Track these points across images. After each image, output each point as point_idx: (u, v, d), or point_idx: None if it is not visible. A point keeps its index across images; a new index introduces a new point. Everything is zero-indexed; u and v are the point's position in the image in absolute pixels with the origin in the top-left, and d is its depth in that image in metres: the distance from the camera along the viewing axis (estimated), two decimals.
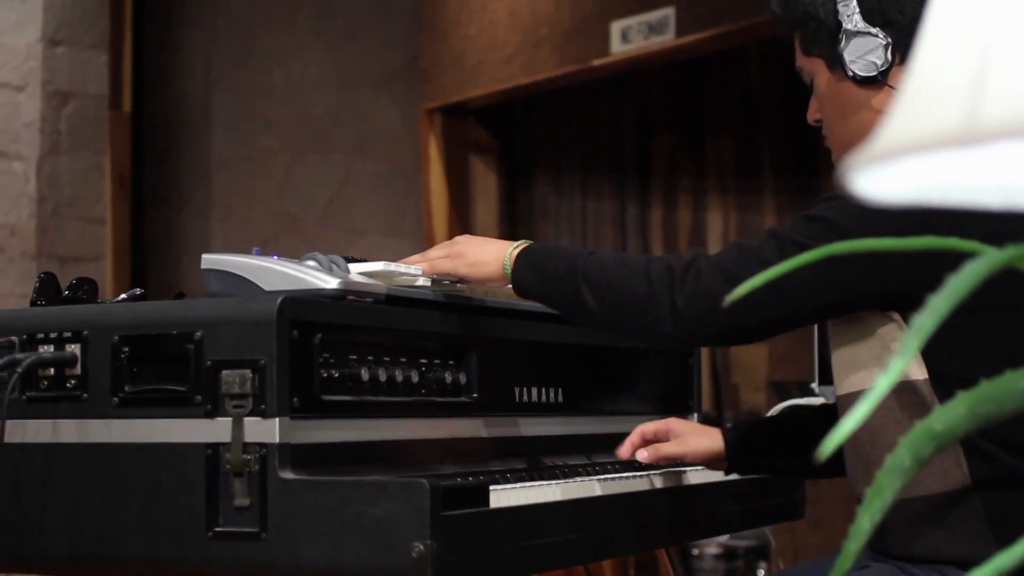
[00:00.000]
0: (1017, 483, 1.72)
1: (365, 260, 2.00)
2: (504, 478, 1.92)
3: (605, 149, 6.30)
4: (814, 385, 3.32)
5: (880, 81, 1.83)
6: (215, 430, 1.72)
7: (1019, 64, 0.67)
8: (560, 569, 2.79)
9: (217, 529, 1.70)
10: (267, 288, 1.82)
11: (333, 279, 1.83)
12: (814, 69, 1.90)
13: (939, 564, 1.75)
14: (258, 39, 6.05)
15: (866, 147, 0.69)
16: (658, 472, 2.17)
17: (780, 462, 2.20)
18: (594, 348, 2.34)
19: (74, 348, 1.85)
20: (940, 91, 0.68)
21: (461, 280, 2.02)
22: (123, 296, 1.97)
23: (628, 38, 5.40)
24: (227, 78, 6.01)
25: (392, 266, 1.98)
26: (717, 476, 2.25)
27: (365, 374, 1.83)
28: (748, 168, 5.79)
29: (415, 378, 1.92)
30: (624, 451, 2.09)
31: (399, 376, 1.89)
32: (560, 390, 2.24)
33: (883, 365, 1.74)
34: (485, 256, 1.98)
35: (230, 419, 1.70)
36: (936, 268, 0.87)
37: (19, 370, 1.84)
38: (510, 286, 1.97)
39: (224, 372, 1.72)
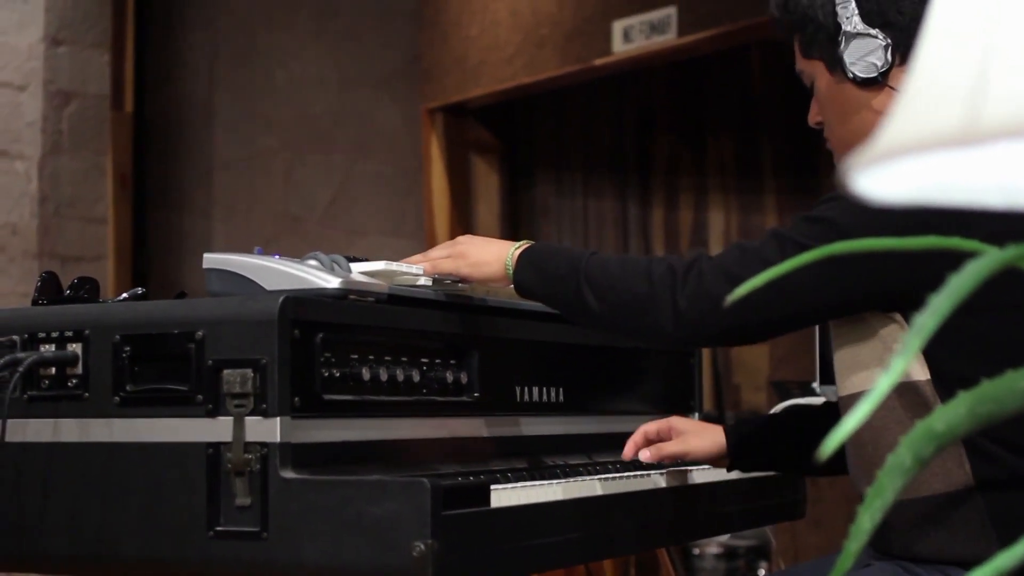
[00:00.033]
0: (1020, 483, 1.72)
1: (366, 260, 2.00)
2: (505, 477, 1.92)
3: (606, 149, 6.30)
4: (815, 385, 3.32)
5: (880, 82, 1.83)
6: (216, 429, 1.72)
7: (1020, 64, 0.67)
8: (561, 568, 2.79)
9: (218, 528, 1.70)
10: (268, 287, 1.82)
11: (335, 278, 1.84)
12: (814, 71, 1.90)
13: (942, 564, 1.75)
14: (259, 39, 6.05)
15: (867, 147, 0.69)
16: (659, 471, 2.17)
17: (782, 460, 2.20)
18: (595, 348, 2.34)
19: (75, 347, 1.85)
20: (941, 91, 0.68)
21: (463, 280, 2.02)
22: (124, 295, 1.97)
23: (630, 38, 5.40)
24: (228, 78, 6.01)
25: (393, 266, 1.98)
26: (718, 475, 2.25)
27: (366, 373, 1.83)
28: (749, 168, 5.79)
29: (416, 377, 1.93)
30: (627, 451, 2.09)
31: (400, 376, 1.89)
32: (561, 390, 2.24)
33: (885, 366, 1.74)
34: (487, 256, 1.98)
35: (231, 418, 1.70)
36: (937, 268, 0.87)
37: (20, 369, 1.84)
38: (511, 286, 1.98)
39: (225, 371, 1.72)
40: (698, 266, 1.82)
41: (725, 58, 5.71)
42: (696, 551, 4.74)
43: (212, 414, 1.73)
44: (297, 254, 1.95)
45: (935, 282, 0.72)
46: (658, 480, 2.15)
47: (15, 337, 1.89)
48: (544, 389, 2.20)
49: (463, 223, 6.28)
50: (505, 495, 1.78)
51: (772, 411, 2.75)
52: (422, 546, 1.58)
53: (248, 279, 1.84)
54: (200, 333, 1.75)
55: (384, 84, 6.23)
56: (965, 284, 0.70)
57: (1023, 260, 0.72)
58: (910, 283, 1.69)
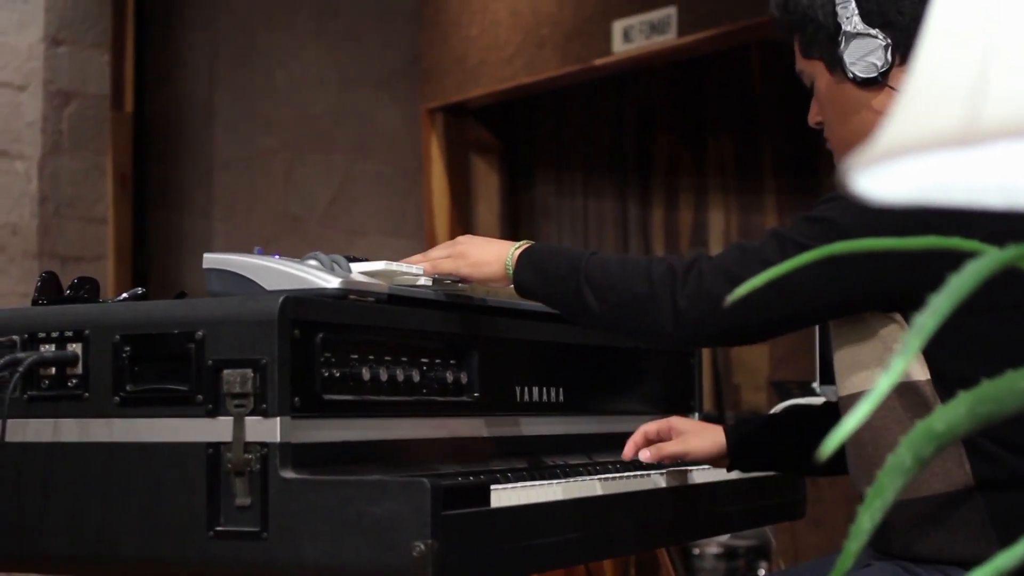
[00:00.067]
0: (1020, 483, 1.72)
1: (366, 260, 2.00)
2: (505, 477, 1.92)
3: (606, 149, 6.30)
4: (815, 385, 3.32)
5: (880, 82, 1.83)
6: (216, 429, 1.72)
7: (1020, 64, 0.67)
8: (561, 569, 2.79)
9: (218, 528, 1.70)
10: (269, 287, 1.82)
11: (335, 278, 1.84)
12: (814, 71, 1.90)
13: (942, 564, 1.75)
14: (259, 39, 6.05)
15: (867, 147, 0.69)
16: (659, 471, 2.17)
17: (782, 460, 2.20)
18: (595, 348, 2.34)
19: (75, 347, 1.85)
20: (941, 91, 0.68)
21: (462, 280, 2.02)
22: (124, 295, 1.97)
23: (630, 38, 5.40)
24: (228, 78, 6.01)
25: (393, 266, 1.98)
26: (718, 475, 2.25)
27: (366, 373, 1.83)
28: (749, 168, 5.79)
29: (416, 377, 1.93)
30: (627, 451, 2.09)
31: (400, 375, 1.89)
32: (561, 390, 2.24)
33: (885, 366, 1.74)
34: (487, 256, 1.98)
35: (231, 418, 1.70)
36: (937, 268, 0.87)
37: (20, 369, 1.84)
38: (511, 286, 1.98)
39: (225, 371, 1.72)
40: (698, 266, 1.82)
41: (725, 58, 5.71)
42: (696, 551, 4.74)
43: (212, 414, 1.73)
44: (297, 254, 1.95)
45: (935, 282, 0.72)
46: (658, 480, 2.15)
47: (15, 337, 1.89)
48: (544, 389, 2.20)
49: (463, 223, 6.28)
50: (505, 495, 1.78)
51: (772, 411, 2.75)
52: (422, 546, 1.58)
53: (248, 279, 1.84)
54: (200, 333, 1.75)
55: (384, 84, 6.23)
56: (965, 284, 0.70)
57: (1023, 260, 0.72)
58: (910, 283, 1.69)
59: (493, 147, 6.48)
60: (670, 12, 5.25)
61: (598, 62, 5.55)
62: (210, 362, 1.73)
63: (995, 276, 0.72)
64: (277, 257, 1.87)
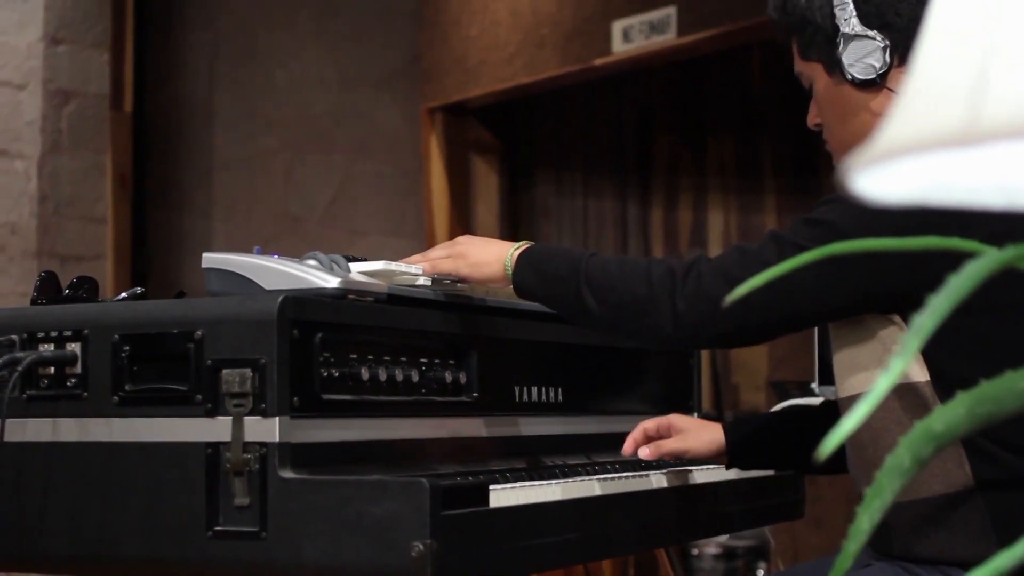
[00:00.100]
0: (1020, 484, 1.72)
1: (366, 260, 2.00)
2: (504, 478, 1.91)
3: (606, 149, 6.31)
4: (814, 385, 3.32)
5: (879, 84, 1.83)
6: (215, 429, 1.72)
7: (1020, 64, 0.66)
8: (560, 569, 2.79)
9: (217, 528, 1.70)
10: (268, 287, 1.82)
11: (334, 278, 1.83)
12: (813, 73, 1.90)
13: (942, 565, 1.74)
14: (259, 39, 6.05)
15: (867, 147, 0.69)
16: (658, 471, 2.17)
17: (781, 457, 2.20)
18: (594, 348, 2.34)
19: (74, 347, 1.85)
20: (941, 91, 0.68)
21: (462, 280, 2.02)
22: (124, 295, 1.97)
23: (629, 38, 5.40)
24: (228, 78, 6.01)
25: (393, 265, 1.98)
26: (717, 475, 2.25)
27: (365, 373, 1.83)
28: (749, 168, 5.79)
29: (415, 377, 1.92)
30: (627, 448, 2.10)
31: (399, 375, 1.89)
32: (560, 390, 2.24)
33: (884, 367, 1.74)
34: (486, 257, 1.98)
35: (230, 418, 1.70)
36: (937, 269, 0.87)
37: (19, 369, 1.84)
38: (511, 287, 1.98)
39: (224, 371, 1.72)
40: (697, 268, 1.82)
41: (725, 58, 5.71)
42: (695, 551, 4.74)
43: (211, 414, 1.73)
44: (297, 254, 1.95)
45: (934, 283, 0.72)
46: (657, 480, 2.15)
47: (14, 336, 1.89)
48: (543, 389, 2.20)
49: (463, 223, 6.28)
50: (504, 495, 1.77)
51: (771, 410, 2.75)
52: (421, 546, 1.58)
53: (247, 279, 1.84)
54: (199, 333, 1.75)
55: (384, 84, 6.23)
56: (964, 285, 0.70)
57: (1022, 260, 0.72)
58: (909, 284, 1.69)
59: (493, 147, 6.48)
60: (670, 12, 5.25)
61: (598, 62, 5.55)
62: (209, 362, 1.73)
63: (994, 277, 0.71)
64: (276, 257, 1.87)
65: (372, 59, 6.19)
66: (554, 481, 1.93)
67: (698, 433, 2.12)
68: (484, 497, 1.72)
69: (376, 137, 6.22)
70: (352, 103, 6.15)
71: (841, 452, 1.88)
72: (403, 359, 1.91)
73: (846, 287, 1.76)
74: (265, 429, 1.69)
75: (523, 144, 6.57)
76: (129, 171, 5.54)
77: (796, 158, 5.59)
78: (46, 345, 1.87)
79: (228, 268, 1.85)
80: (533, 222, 6.48)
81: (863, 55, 1.82)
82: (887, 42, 1.81)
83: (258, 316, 1.71)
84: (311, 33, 6.12)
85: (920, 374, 1.74)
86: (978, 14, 0.69)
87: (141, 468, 1.78)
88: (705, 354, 3.83)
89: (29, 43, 4.97)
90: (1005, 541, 1.69)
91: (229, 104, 5.99)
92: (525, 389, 2.16)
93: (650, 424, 2.11)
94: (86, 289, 2.00)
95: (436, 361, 1.98)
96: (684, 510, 2.21)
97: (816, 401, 2.88)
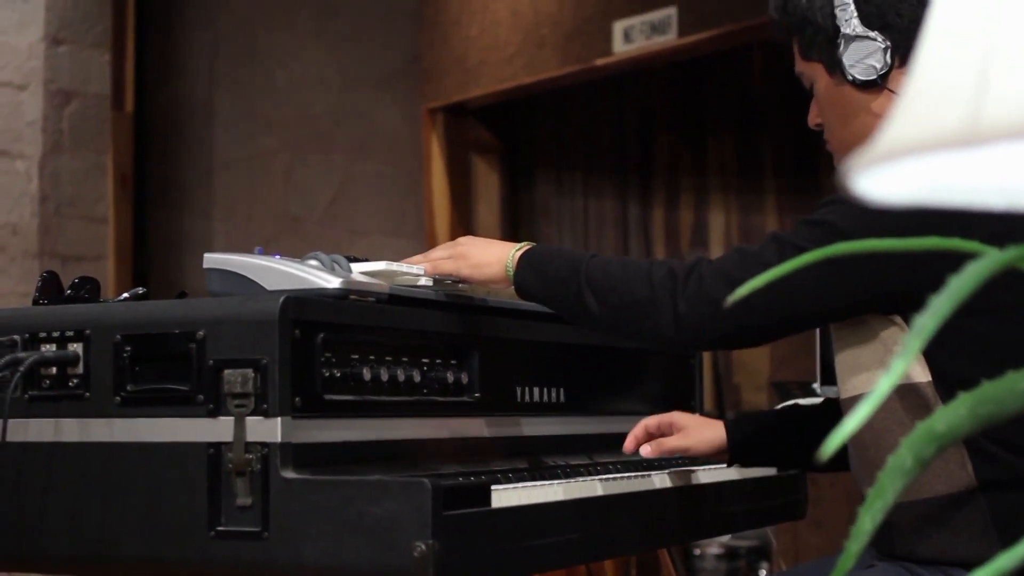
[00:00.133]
0: (1022, 485, 1.72)
1: (367, 260, 2.00)
2: (506, 478, 1.92)
3: (607, 149, 6.30)
4: (816, 386, 3.32)
5: (880, 85, 1.83)
6: (217, 429, 1.72)
7: (1020, 64, 0.67)
8: (562, 569, 2.79)
9: (219, 528, 1.70)
10: (269, 287, 1.82)
11: (335, 278, 1.84)
12: (814, 74, 1.90)
13: (945, 565, 1.74)
14: (260, 39, 6.05)
15: (868, 148, 0.69)
16: (660, 471, 2.17)
17: (782, 455, 2.20)
18: (596, 348, 2.34)
19: (76, 347, 1.85)
20: (942, 92, 0.68)
21: (463, 281, 2.02)
22: (125, 295, 1.97)
23: (630, 38, 5.40)
24: (229, 78, 6.01)
25: (394, 266, 1.98)
26: (719, 475, 2.25)
27: (367, 373, 1.83)
28: (750, 168, 5.79)
29: (417, 378, 1.93)
30: (628, 445, 2.10)
31: (401, 376, 1.89)
32: (562, 390, 2.24)
33: (886, 367, 1.74)
34: (488, 257, 1.99)
35: (232, 418, 1.70)
36: (938, 270, 0.87)
37: (21, 369, 1.84)
38: (512, 288, 1.98)
39: (226, 371, 1.72)
40: (698, 270, 1.82)
41: (725, 58, 5.71)
42: (697, 551, 4.74)
43: (213, 414, 1.73)
44: (297, 254, 1.95)
45: (936, 284, 0.72)
46: (659, 480, 2.15)
47: (16, 337, 1.89)
48: (545, 389, 2.21)
49: (463, 223, 6.28)
50: (506, 495, 1.78)
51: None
52: (423, 546, 1.58)
53: (248, 279, 1.84)
54: (201, 333, 1.75)
55: (384, 84, 6.23)
56: (965, 285, 0.70)
57: (1023, 261, 0.72)
58: (911, 285, 1.69)
59: (493, 147, 6.48)
60: (670, 12, 5.25)
61: (598, 62, 5.55)
62: (211, 362, 1.73)
63: (996, 277, 0.72)
64: (277, 257, 1.87)
65: (372, 59, 6.19)
66: (556, 481, 1.93)
67: (699, 430, 2.12)
68: (486, 497, 1.73)
69: (376, 137, 6.22)
70: (352, 103, 6.15)
71: (843, 450, 1.89)
72: (405, 359, 1.92)
73: (847, 288, 1.76)
74: (267, 429, 1.69)
75: (524, 144, 6.57)
76: (130, 171, 5.55)
77: (797, 158, 5.59)
78: (48, 345, 1.87)
79: (229, 268, 1.86)
80: (534, 222, 6.48)
81: (864, 56, 1.82)
82: (888, 43, 1.81)
83: (260, 316, 1.71)
84: (311, 33, 6.12)
85: (922, 375, 1.74)
86: (978, 16, 0.69)
87: (143, 468, 1.78)
88: (707, 355, 3.83)
89: (30, 43, 4.98)
90: (1007, 541, 1.69)
91: (229, 104, 5.99)
92: (527, 389, 2.17)
93: (651, 421, 2.12)
94: (88, 289, 2.00)
95: (438, 361, 1.98)
96: (686, 510, 2.21)
97: (818, 401, 2.88)
